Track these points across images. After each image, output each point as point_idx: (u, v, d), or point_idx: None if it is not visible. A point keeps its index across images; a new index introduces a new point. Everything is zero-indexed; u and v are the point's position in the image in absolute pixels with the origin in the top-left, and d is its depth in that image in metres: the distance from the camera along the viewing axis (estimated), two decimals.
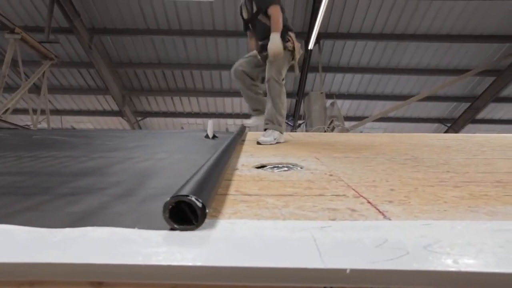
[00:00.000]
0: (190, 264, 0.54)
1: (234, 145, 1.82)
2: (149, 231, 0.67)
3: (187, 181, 0.79)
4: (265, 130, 2.57)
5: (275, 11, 2.44)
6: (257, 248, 0.60)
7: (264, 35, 2.56)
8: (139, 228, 0.69)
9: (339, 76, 8.98)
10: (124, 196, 1.02)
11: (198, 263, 0.54)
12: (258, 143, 2.40)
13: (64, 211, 0.88)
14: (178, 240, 0.63)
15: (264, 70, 2.59)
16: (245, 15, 2.68)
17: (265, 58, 2.59)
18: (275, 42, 2.41)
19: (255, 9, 2.56)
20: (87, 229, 0.68)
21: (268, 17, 2.49)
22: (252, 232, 0.69)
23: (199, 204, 0.66)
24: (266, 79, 2.55)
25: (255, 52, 2.73)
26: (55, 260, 0.54)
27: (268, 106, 2.57)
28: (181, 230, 0.66)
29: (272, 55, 2.42)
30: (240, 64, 2.72)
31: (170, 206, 0.66)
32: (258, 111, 2.80)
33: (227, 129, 10.90)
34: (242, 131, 2.84)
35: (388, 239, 0.64)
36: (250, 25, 2.68)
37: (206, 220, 0.71)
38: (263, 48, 2.60)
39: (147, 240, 0.62)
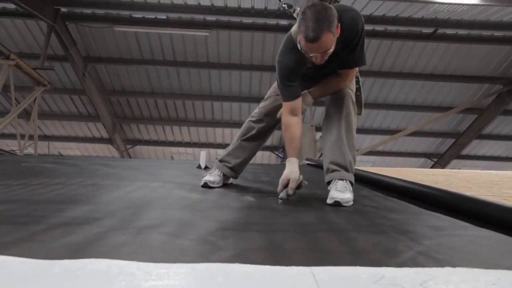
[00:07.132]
0: None
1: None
2: (148, 264, 0.67)
3: None
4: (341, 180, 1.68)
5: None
6: (256, 282, 0.61)
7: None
8: (138, 260, 0.69)
9: None
10: (120, 228, 1.01)
11: None
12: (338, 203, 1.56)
13: (59, 241, 0.87)
14: (178, 273, 0.63)
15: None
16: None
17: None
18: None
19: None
20: (85, 261, 0.68)
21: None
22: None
23: None
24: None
25: None
26: None
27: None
28: None
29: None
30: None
31: None
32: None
33: (217, 159, 10.86)
34: None
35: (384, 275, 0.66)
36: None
37: None
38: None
39: (147, 274, 0.62)
